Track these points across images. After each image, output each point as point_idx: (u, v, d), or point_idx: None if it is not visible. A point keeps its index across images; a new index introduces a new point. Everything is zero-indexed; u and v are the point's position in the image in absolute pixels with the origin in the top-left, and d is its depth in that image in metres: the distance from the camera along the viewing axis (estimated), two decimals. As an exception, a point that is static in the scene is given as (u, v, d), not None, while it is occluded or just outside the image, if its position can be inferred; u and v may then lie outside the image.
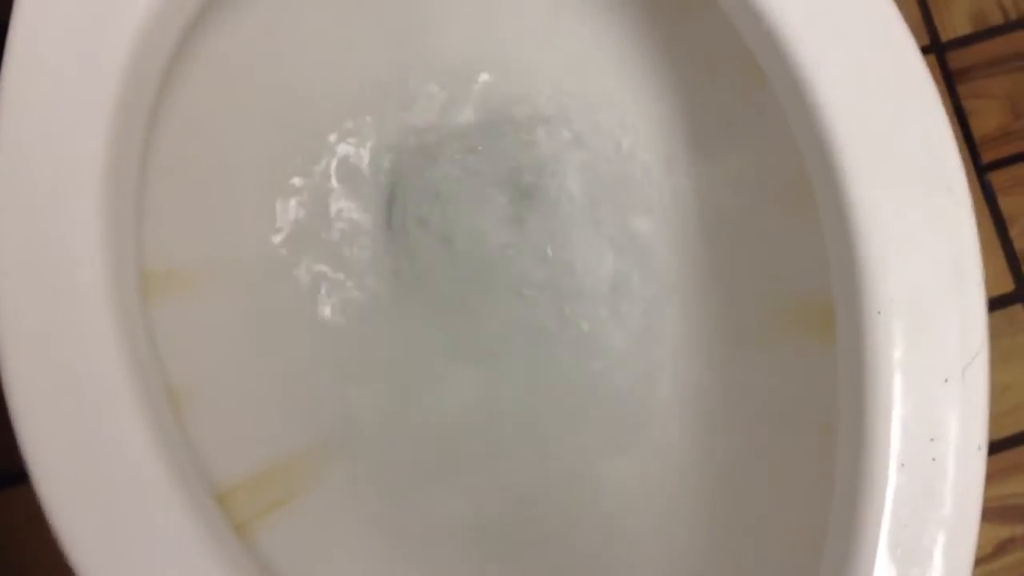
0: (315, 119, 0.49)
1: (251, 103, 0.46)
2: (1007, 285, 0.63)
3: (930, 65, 0.38)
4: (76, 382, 0.31)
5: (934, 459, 0.31)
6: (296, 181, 0.49)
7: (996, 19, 0.67)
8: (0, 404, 0.31)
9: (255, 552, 0.36)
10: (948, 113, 0.34)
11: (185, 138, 0.40)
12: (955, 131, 0.34)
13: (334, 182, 0.50)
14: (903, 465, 0.31)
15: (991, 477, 0.32)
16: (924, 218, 0.32)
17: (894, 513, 0.30)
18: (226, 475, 0.37)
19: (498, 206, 0.51)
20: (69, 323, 0.32)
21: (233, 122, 0.45)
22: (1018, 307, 0.62)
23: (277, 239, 0.48)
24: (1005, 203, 0.64)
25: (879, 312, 0.32)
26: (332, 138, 0.50)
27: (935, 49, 0.66)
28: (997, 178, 0.64)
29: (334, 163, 0.50)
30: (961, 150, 0.34)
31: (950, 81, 0.65)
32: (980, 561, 0.31)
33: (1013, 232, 0.63)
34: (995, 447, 0.60)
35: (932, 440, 0.31)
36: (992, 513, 0.59)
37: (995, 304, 0.62)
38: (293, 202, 0.49)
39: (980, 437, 0.31)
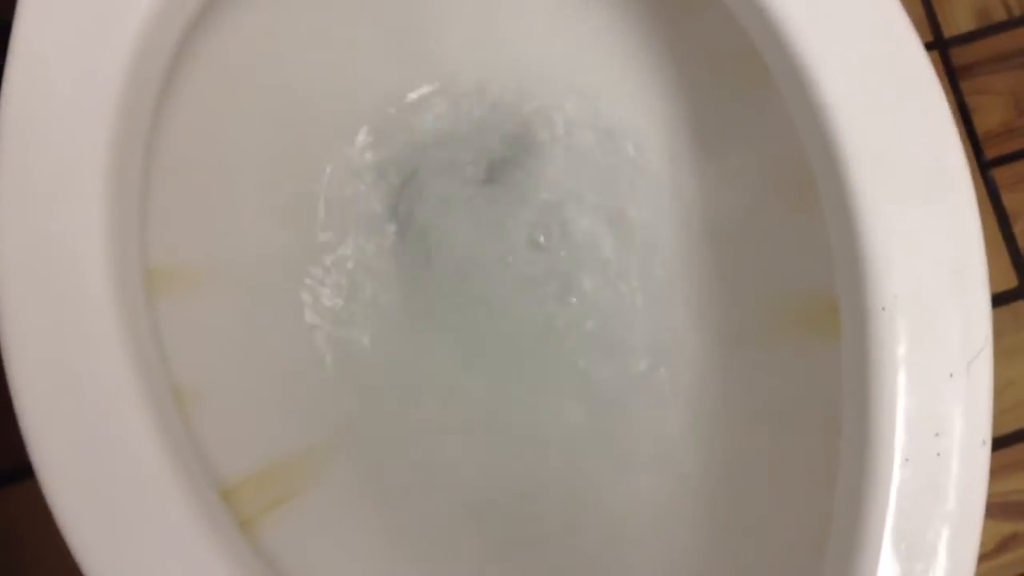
0: (316, 120, 0.49)
1: (253, 103, 0.46)
2: (1010, 281, 0.63)
3: (933, 61, 0.38)
4: (81, 379, 0.31)
5: (938, 454, 0.31)
6: (298, 182, 0.49)
7: (999, 15, 0.66)
8: (5, 401, 0.31)
9: (259, 548, 0.36)
10: (951, 110, 0.34)
11: (188, 138, 0.40)
12: (958, 128, 0.34)
13: (335, 183, 0.50)
14: (907, 460, 0.31)
15: (993, 473, 0.32)
16: (928, 214, 0.32)
17: (898, 507, 0.30)
18: (230, 472, 0.37)
19: (500, 206, 0.51)
20: (74, 321, 0.32)
21: (235, 123, 0.45)
22: (1021, 303, 0.62)
23: (280, 240, 0.48)
24: (1008, 199, 0.64)
25: (883, 308, 0.32)
26: (334, 139, 0.50)
27: (938, 45, 0.66)
28: (1000, 174, 0.64)
29: (335, 163, 0.50)
30: (964, 147, 0.34)
31: (953, 78, 0.65)
32: (982, 557, 0.31)
33: (1016, 228, 0.63)
34: (998, 443, 0.60)
35: (936, 435, 0.31)
36: (994, 509, 0.59)
37: (998, 300, 0.61)
38: (295, 204, 0.49)
39: (984, 432, 0.31)
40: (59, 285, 0.32)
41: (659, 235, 0.50)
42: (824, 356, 0.39)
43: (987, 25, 0.66)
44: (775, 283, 0.45)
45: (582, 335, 0.50)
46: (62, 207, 0.32)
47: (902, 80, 0.33)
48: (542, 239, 0.50)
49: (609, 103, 0.50)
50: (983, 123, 0.65)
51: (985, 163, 0.65)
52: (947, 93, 0.54)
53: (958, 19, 0.66)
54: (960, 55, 0.66)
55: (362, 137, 0.50)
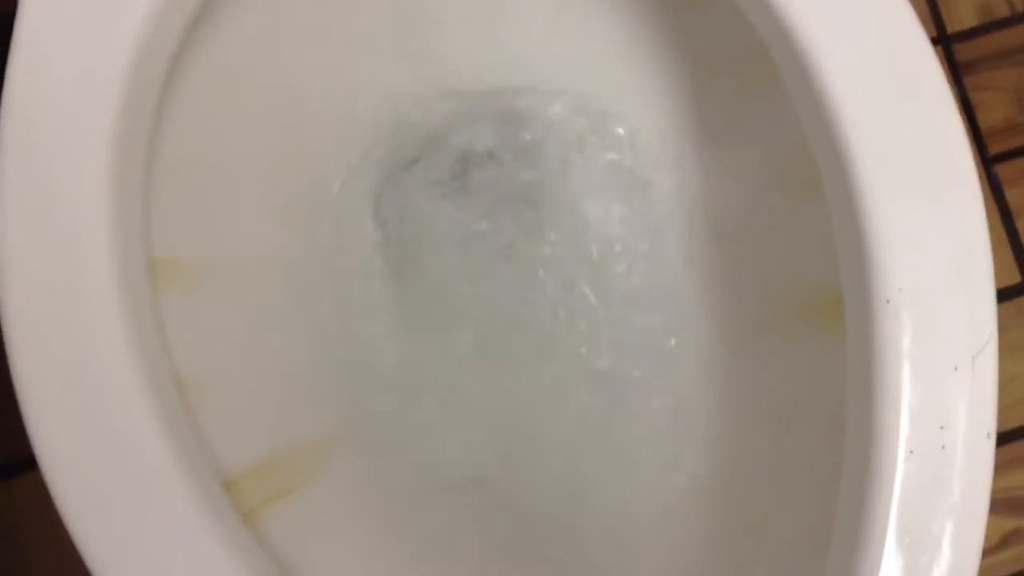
0: (316, 119, 0.49)
1: (253, 102, 0.46)
2: (1013, 277, 0.63)
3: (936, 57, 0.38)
4: (84, 370, 0.31)
5: (943, 447, 0.31)
6: (298, 179, 0.49)
7: (1003, 11, 0.66)
8: (8, 393, 0.31)
9: (261, 539, 0.36)
10: (953, 105, 0.34)
11: (188, 137, 0.40)
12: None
13: (336, 181, 0.50)
14: (912, 453, 0.30)
15: (996, 469, 0.32)
16: (933, 208, 0.32)
17: (903, 501, 0.30)
18: (232, 463, 0.37)
19: (502, 203, 0.51)
20: (77, 312, 0.32)
21: (235, 121, 0.45)
22: (1024, 299, 0.62)
23: (280, 237, 0.48)
24: (1011, 195, 0.64)
25: (888, 301, 0.32)
26: (333, 138, 0.50)
27: (942, 41, 0.66)
28: (1003, 170, 0.64)
29: (336, 162, 0.50)
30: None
31: (957, 73, 0.65)
32: (985, 553, 0.31)
33: (1020, 224, 0.63)
34: (1001, 439, 0.60)
35: (941, 428, 0.31)
36: (997, 505, 0.59)
37: (1001, 296, 0.61)
38: (296, 200, 0.49)
39: (989, 425, 0.31)
40: (62, 277, 0.32)
41: (662, 231, 0.50)
42: (828, 350, 0.39)
43: (990, 21, 0.66)
44: (779, 277, 0.45)
45: (583, 334, 0.49)
46: (66, 202, 0.32)
47: (908, 75, 0.33)
48: (544, 236, 0.50)
49: (612, 99, 0.50)
50: (986, 119, 0.65)
51: (988, 159, 0.65)
52: (950, 89, 0.54)
53: (962, 15, 0.66)
54: (963, 51, 0.66)
55: (362, 136, 0.50)
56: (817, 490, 0.35)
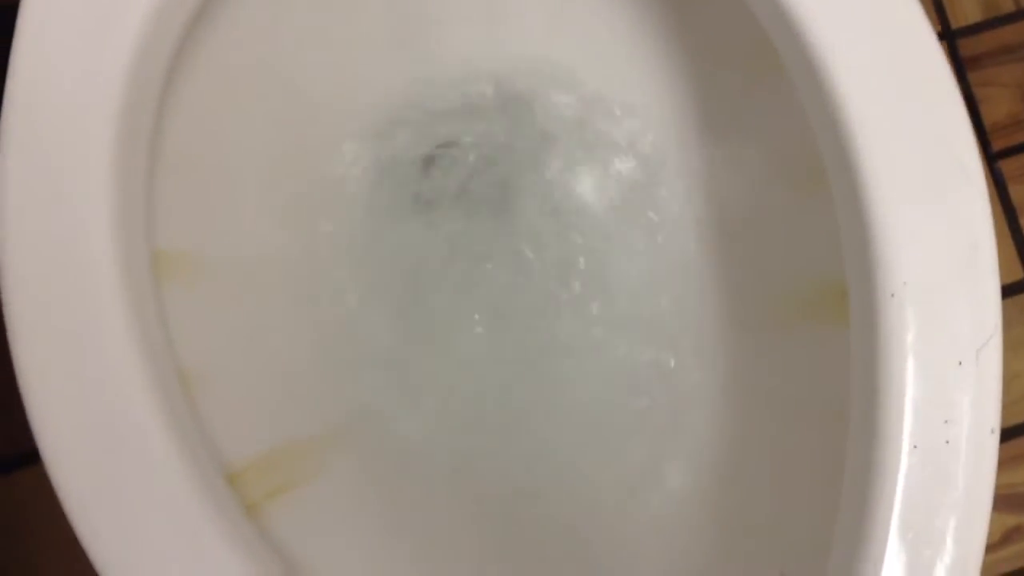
0: (317, 116, 0.49)
1: (253, 99, 0.46)
2: (1017, 273, 0.62)
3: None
4: (87, 362, 0.31)
5: (947, 441, 0.30)
6: (299, 174, 0.49)
7: (1007, 7, 0.66)
8: (11, 386, 0.31)
9: (265, 530, 0.36)
10: (958, 100, 0.34)
11: (189, 135, 0.41)
12: (965, 119, 0.34)
13: (337, 177, 0.50)
14: (916, 447, 0.30)
15: (999, 465, 0.31)
16: (939, 202, 0.32)
17: (906, 495, 0.30)
18: (235, 456, 0.37)
19: (507, 196, 0.51)
20: (80, 304, 0.32)
21: (235, 118, 0.45)
22: (1027, 295, 0.62)
23: (281, 233, 0.48)
24: (1015, 191, 0.64)
25: (892, 295, 0.31)
26: (334, 135, 0.50)
27: (946, 36, 0.66)
28: (1007, 166, 0.64)
29: (337, 158, 0.50)
30: (970, 138, 0.34)
31: (961, 69, 0.65)
32: (987, 549, 0.31)
33: (1023, 220, 0.63)
34: (1004, 435, 0.60)
35: (945, 422, 0.31)
36: (1000, 501, 0.59)
37: (1005, 292, 0.61)
38: (296, 196, 0.49)
39: (993, 420, 0.31)
40: (66, 271, 0.32)
41: (663, 225, 0.50)
42: (830, 345, 0.39)
43: (995, 17, 0.66)
44: (782, 271, 0.44)
45: (583, 332, 0.49)
46: (69, 198, 0.32)
47: (914, 69, 0.33)
48: (544, 231, 0.50)
49: (614, 95, 0.50)
50: (990, 115, 0.65)
51: (992, 155, 0.64)
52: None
53: (966, 10, 0.66)
54: (968, 46, 0.65)
55: (363, 133, 0.50)
56: (819, 488, 0.35)
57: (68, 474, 0.31)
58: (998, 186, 0.64)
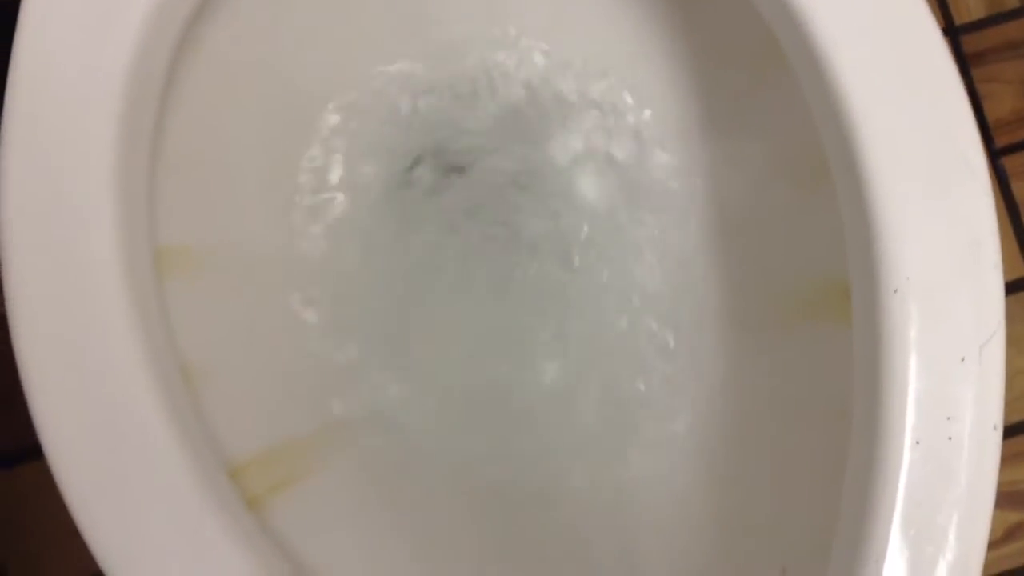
0: (317, 118, 0.49)
1: (253, 96, 0.46)
2: (1020, 270, 0.62)
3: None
4: (90, 357, 0.31)
5: (950, 438, 0.30)
6: (300, 178, 0.49)
7: (1011, 3, 0.66)
8: (14, 381, 0.31)
9: (266, 525, 0.36)
10: (961, 97, 0.34)
11: (190, 133, 0.41)
12: (968, 115, 0.33)
13: (338, 178, 0.50)
14: (918, 443, 0.30)
15: (1002, 462, 0.31)
16: (942, 196, 0.32)
17: (908, 491, 0.30)
18: (239, 451, 0.37)
19: (504, 196, 0.51)
20: (83, 299, 0.32)
21: (235, 118, 0.45)
22: (1030, 292, 0.62)
23: (281, 229, 0.48)
24: (1018, 188, 0.64)
25: (895, 291, 0.31)
26: (335, 132, 0.50)
27: (949, 32, 0.65)
28: (1011, 163, 0.64)
29: (336, 155, 0.50)
30: (973, 135, 0.33)
31: (964, 65, 0.65)
32: (990, 546, 0.31)
33: (1026, 217, 0.63)
34: (1007, 432, 0.60)
35: (948, 419, 0.31)
36: (1002, 498, 0.59)
37: (1008, 289, 0.61)
38: (297, 199, 0.49)
39: (996, 416, 0.31)
40: (68, 266, 0.32)
41: (665, 222, 0.50)
42: (832, 343, 0.39)
43: (998, 13, 0.66)
44: (784, 269, 0.44)
45: (584, 331, 0.49)
46: (71, 194, 0.32)
47: (918, 64, 0.33)
48: (544, 226, 0.50)
49: (616, 91, 0.50)
50: (993, 111, 0.65)
51: (995, 151, 0.64)
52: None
53: (970, 6, 0.66)
54: (971, 42, 0.65)
55: (362, 135, 0.50)
56: (820, 486, 0.35)
57: (71, 468, 0.31)
58: (1001, 183, 0.64)
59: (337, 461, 0.44)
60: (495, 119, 0.51)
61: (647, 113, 0.50)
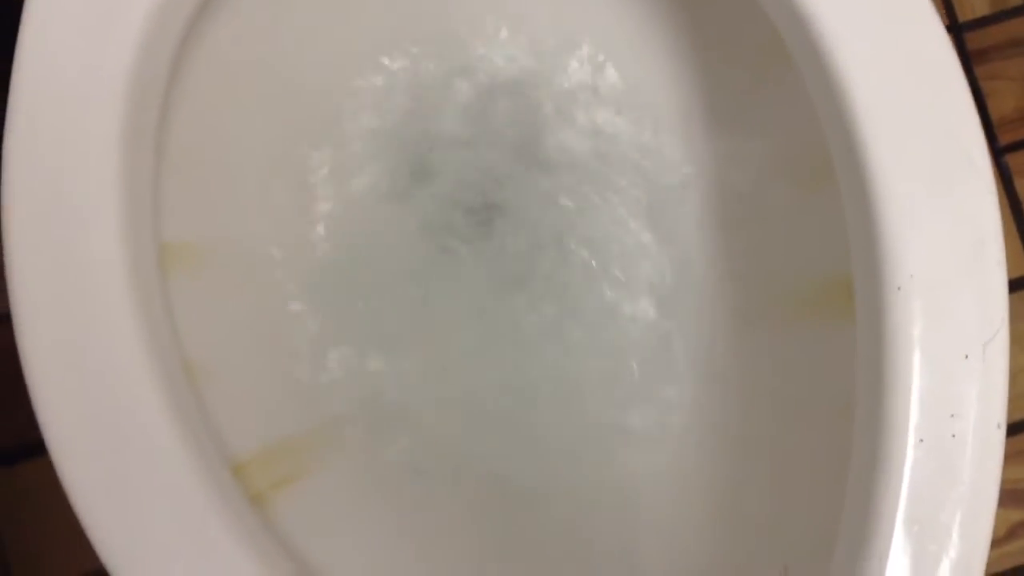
0: (317, 118, 0.49)
1: (253, 93, 0.46)
2: (1022, 268, 0.62)
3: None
4: (93, 354, 0.31)
5: (953, 435, 0.30)
6: (300, 178, 0.49)
7: (1015, 0, 0.66)
8: (14, 379, 0.31)
9: (269, 523, 0.36)
10: (965, 94, 0.33)
11: (191, 132, 0.41)
12: (972, 113, 0.33)
13: (338, 177, 0.50)
14: (922, 441, 0.30)
15: (1005, 460, 0.31)
16: (946, 194, 0.32)
17: (912, 489, 0.30)
18: (242, 448, 0.37)
19: (505, 195, 0.51)
20: (87, 296, 0.32)
21: (235, 118, 0.45)
22: (1033, 290, 0.62)
23: (285, 225, 0.48)
24: (1021, 185, 0.64)
25: (899, 288, 0.31)
26: (334, 130, 0.50)
27: (953, 29, 0.65)
28: (1014, 160, 0.64)
29: (337, 159, 0.50)
30: (976, 132, 0.33)
31: (968, 62, 0.65)
32: (992, 544, 0.31)
33: (1030, 215, 0.63)
34: (1010, 429, 0.60)
35: (952, 416, 0.31)
36: (1004, 496, 0.59)
37: (1011, 286, 0.61)
38: (297, 198, 0.49)
39: (1000, 414, 0.31)
40: (72, 263, 0.32)
41: (666, 219, 0.50)
42: (834, 341, 0.39)
43: (1002, 10, 0.66)
44: (786, 265, 0.44)
45: (584, 331, 0.49)
46: (75, 191, 0.32)
47: (922, 62, 0.33)
48: (545, 222, 0.50)
49: (618, 89, 0.50)
50: (997, 109, 0.64)
51: (999, 149, 0.64)
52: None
53: (973, 3, 0.66)
54: (975, 40, 0.65)
55: (363, 135, 0.50)
56: (823, 486, 0.35)
57: (75, 466, 0.31)
58: (1005, 180, 0.64)
59: (337, 460, 0.44)
60: (496, 117, 0.51)
61: (649, 110, 0.50)
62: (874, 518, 0.30)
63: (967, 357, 0.31)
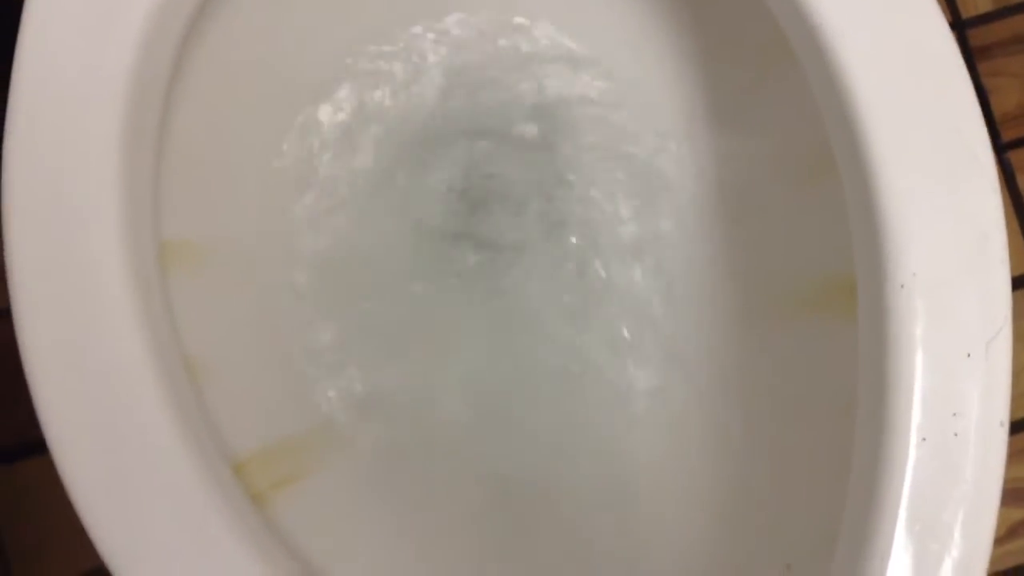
0: (317, 117, 0.49)
1: (253, 99, 0.46)
2: (1025, 265, 0.62)
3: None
4: (94, 352, 0.31)
5: (956, 434, 0.30)
6: (305, 166, 0.49)
7: (1018, -3, 0.66)
8: (14, 378, 0.31)
9: (270, 522, 0.36)
10: (968, 91, 0.33)
11: (191, 131, 0.41)
12: (974, 109, 0.33)
13: (339, 177, 0.50)
14: (924, 440, 0.30)
15: (1007, 458, 0.31)
16: (949, 192, 0.32)
17: (914, 488, 0.30)
18: (242, 447, 0.37)
19: (505, 192, 0.51)
20: (87, 294, 0.32)
21: (236, 117, 0.45)
22: (1036, 287, 0.62)
23: (282, 225, 0.48)
24: (1024, 183, 0.64)
25: (902, 286, 0.31)
26: (336, 128, 0.50)
27: (956, 26, 0.65)
28: (1016, 157, 0.64)
29: (337, 150, 0.50)
30: (980, 129, 0.33)
31: (971, 59, 0.65)
32: (994, 543, 0.31)
33: (1032, 212, 0.63)
34: (1012, 428, 0.60)
35: (954, 415, 0.30)
36: (1007, 495, 0.59)
37: (1014, 284, 0.61)
38: (298, 188, 0.49)
39: (1002, 413, 0.31)
40: (72, 262, 0.32)
41: (667, 217, 0.49)
42: (836, 340, 0.39)
43: (1005, 6, 0.66)
44: (787, 263, 0.44)
45: (585, 331, 0.49)
46: (76, 190, 0.32)
47: (925, 58, 0.33)
48: (545, 220, 0.50)
49: (620, 87, 0.50)
50: (1000, 105, 0.64)
51: (1001, 146, 0.64)
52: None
53: (976, 0, 0.65)
54: (977, 36, 0.65)
55: (364, 129, 0.50)
56: (825, 484, 0.35)
57: (76, 464, 0.31)
58: (1007, 177, 0.64)
59: (338, 459, 0.44)
60: (496, 115, 0.51)
61: (650, 108, 0.50)
62: (876, 517, 0.30)
63: (970, 355, 0.31)
